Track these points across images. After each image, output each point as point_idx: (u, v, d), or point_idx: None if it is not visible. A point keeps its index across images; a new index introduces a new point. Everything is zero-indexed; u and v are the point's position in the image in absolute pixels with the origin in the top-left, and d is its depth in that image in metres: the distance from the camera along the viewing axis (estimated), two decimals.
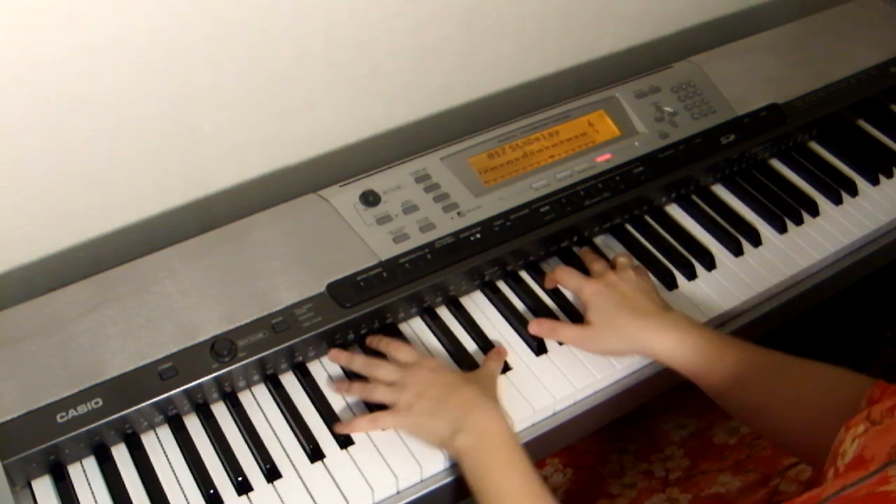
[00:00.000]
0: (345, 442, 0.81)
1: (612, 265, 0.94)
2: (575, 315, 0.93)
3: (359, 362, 0.84)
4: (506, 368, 0.88)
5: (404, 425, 0.80)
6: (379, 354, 0.86)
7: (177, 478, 0.78)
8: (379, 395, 0.81)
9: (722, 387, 0.80)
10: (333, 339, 0.87)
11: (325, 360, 0.88)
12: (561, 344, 0.90)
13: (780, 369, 0.79)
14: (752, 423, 0.82)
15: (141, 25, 0.81)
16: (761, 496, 0.86)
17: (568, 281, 0.92)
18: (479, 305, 0.94)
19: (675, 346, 0.83)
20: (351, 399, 0.85)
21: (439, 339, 0.91)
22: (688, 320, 0.85)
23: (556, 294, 0.95)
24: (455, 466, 0.81)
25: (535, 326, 0.90)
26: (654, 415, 1.06)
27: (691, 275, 0.98)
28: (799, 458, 0.85)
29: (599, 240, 1.02)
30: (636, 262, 0.97)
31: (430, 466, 0.80)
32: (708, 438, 0.98)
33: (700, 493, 0.91)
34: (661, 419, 1.05)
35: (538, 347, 0.90)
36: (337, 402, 0.85)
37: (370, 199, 0.93)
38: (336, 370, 0.88)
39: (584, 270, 0.94)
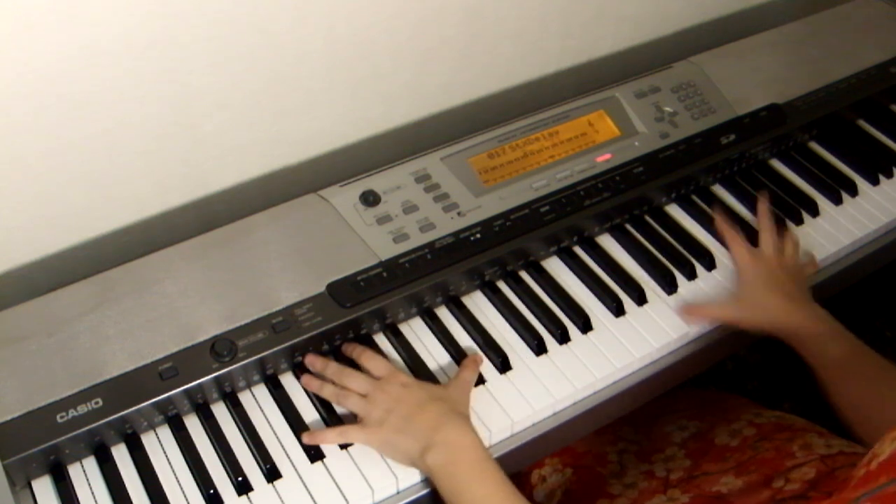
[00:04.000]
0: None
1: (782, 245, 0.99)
2: (577, 317, 0.93)
3: (332, 368, 0.84)
4: (506, 368, 0.88)
5: (373, 441, 0.80)
6: (353, 364, 0.86)
7: (177, 478, 0.79)
8: (350, 403, 0.81)
9: (838, 386, 0.84)
10: (333, 339, 0.87)
11: None
12: (562, 343, 0.90)
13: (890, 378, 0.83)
14: (853, 429, 0.84)
15: (141, 25, 0.81)
16: (765, 497, 0.86)
17: (734, 245, 0.98)
18: (479, 305, 0.94)
19: (810, 337, 0.87)
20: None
21: (439, 339, 0.91)
22: (829, 317, 0.90)
23: (556, 294, 0.95)
24: None
25: (687, 315, 0.93)
26: (654, 416, 1.06)
27: (691, 275, 0.98)
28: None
29: (599, 240, 1.02)
30: (803, 256, 1.01)
31: None
32: (709, 440, 0.98)
33: (702, 493, 0.91)
34: (661, 421, 1.04)
35: (538, 347, 0.90)
36: None
37: (370, 199, 0.93)
38: None
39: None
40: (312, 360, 0.85)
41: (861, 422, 0.83)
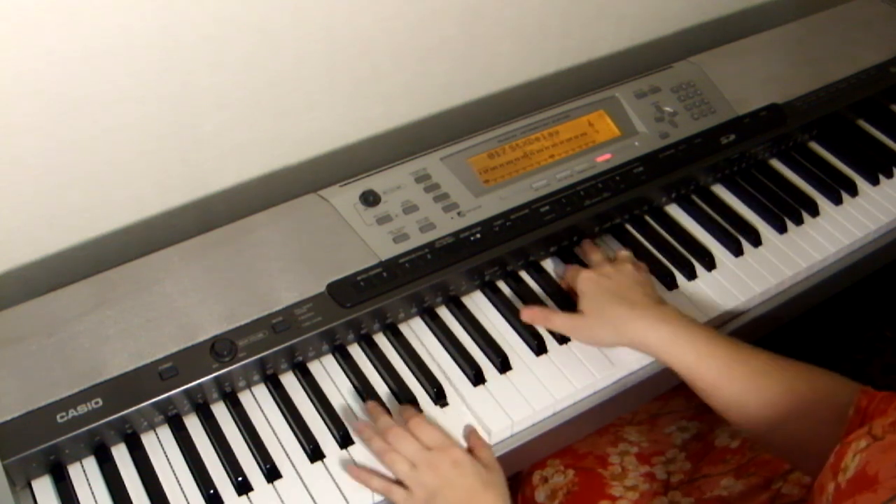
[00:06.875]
0: (344, 441, 0.81)
1: (613, 258, 0.95)
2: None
3: (384, 423, 0.81)
4: (506, 368, 0.88)
5: None
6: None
7: (177, 478, 0.79)
8: (397, 468, 0.78)
9: (710, 383, 0.80)
10: (333, 339, 0.87)
11: (325, 360, 0.88)
12: (561, 343, 0.90)
13: (769, 370, 0.78)
14: (738, 423, 0.81)
15: (141, 25, 0.81)
16: (763, 500, 0.86)
17: (569, 274, 0.94)
18: (479, 305, 0.94)
19: (665, 340, 0.82)
20: (352, 401, 0.85)
21: (439, 339, 0.91)
22: (680, 315, 0.85)
23: (556, 294, 0.95)
24: None
25: (527, 314, 0.90)
26: (655, 417, 1.06)
27: (691, 275, 0.98)
28: (786, 460, 0.85)
29: (600, 240, 1.02)
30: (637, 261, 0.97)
31: None
32: (709, 441, 0.98)
33: (702, 497, 0.91)
34: (662, 421, 1.05)
35: (538, 347, 0.90)
36: (337, 402, 0.85)
37: (370, 199, 0.93)
38: (335, 370, 0.88)
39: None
40: (372, 407, 0.83)
41: (743, 420, 0.79)
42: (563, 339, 0.91)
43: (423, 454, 0.78)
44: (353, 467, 0.79)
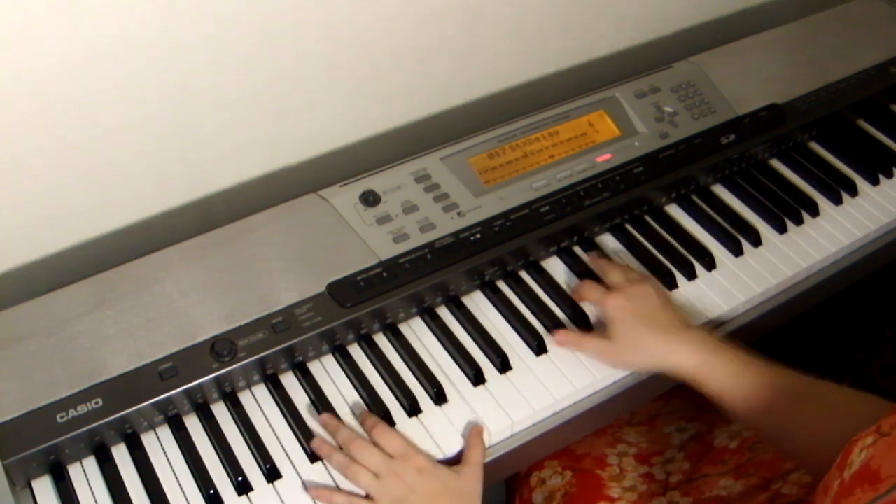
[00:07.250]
0: None
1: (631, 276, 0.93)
2: (577, 317, 0.93)
3: (344, 435, 0.80)
4: (506, 368, 0.88)
5: None
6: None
7: (177, 478, 0.79)
8: (361, 480, 0.77)
9: (744, 407, 0.80)
10: (333, 339, 0.87)
11: (325, 360, 0.88)
12: None
13: (803, 391, 0.78)
14: (775, 444, 0.81)
15: (141, 26, 0.81)
16: (763, 500, 0.86)
17: (590, 294, 0.92)
18: (479, 305, 0.94)
19: (700, 366, 0.82)
20: (352, 401, 0.85)
21: (439, 339, 0.91)
22: (712, 339, 0.85)
23: (556, 294, 0.95)
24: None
25: (561, 338, 0.89)
26: (654, 418, 1.06)
27: (691, 275, 0.98)
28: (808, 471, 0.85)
29: (599, 240, 1.02)
30: (654, 280, 0.96)
31: None
32: (708, 442, 0.98)
33: (701, 496, 0.91)
34: (660, 422, 1.05)
35: (538, 347, 0.90)
36: (337, 402, 0.85)
37: (370, 199, 0.93)
38: (335, 370, 0.88)
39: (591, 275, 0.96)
40: (326, 421, 0.82)
41: (780, 442, 0.79)
42: None
43: (386, 463, 0.77)
44: (314, 488, 0.78)
